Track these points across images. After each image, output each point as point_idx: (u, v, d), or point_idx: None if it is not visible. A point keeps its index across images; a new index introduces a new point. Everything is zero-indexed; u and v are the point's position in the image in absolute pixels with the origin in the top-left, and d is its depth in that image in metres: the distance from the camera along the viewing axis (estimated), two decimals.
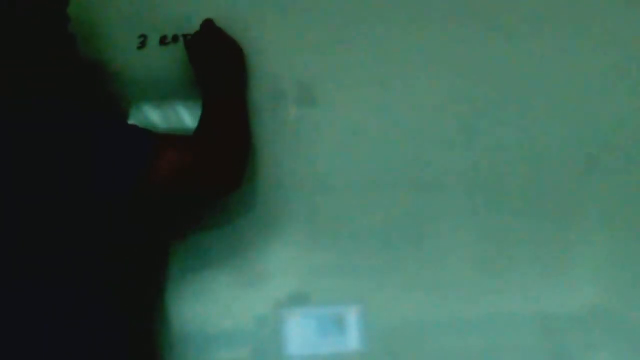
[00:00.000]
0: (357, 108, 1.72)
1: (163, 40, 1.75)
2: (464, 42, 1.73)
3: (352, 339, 1.66)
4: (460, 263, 1.68)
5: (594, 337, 1.66)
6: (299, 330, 1.66)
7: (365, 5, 1.75)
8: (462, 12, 1.75)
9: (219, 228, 1.68)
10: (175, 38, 1.74)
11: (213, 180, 1.53)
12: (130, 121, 1.71)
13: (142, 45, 1.75)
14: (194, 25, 1.73)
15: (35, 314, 1.37)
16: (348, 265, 1.68)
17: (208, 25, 1.70)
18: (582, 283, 1.68)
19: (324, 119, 1.71)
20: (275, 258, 1.68)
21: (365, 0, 1.75)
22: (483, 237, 1.69)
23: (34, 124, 1.42)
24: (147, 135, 1.47)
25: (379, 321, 1.66)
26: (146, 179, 1.43)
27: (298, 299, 1.67)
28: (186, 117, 1.74)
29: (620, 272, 1.69)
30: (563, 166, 1.70)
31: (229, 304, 1.59)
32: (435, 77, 1.73)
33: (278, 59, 1.73)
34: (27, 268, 1.37)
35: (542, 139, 1.71)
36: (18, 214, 1.38)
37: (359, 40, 1.73)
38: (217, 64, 1.66)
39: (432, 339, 1.67)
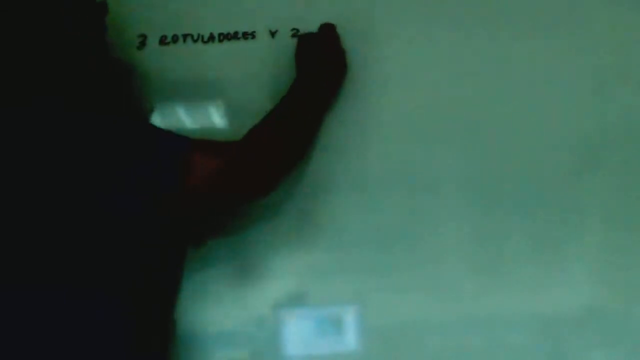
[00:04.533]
0: (357, 108, 1.72)
1: (163, 40, 1.75)
2: (463, 43, 1.74)
3: (350, 340, 1.67)
4: (458, 263, 1.69)
5: (591, 338, 1.67)
6: (298, 331, 1.67)
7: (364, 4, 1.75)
8: (461, 12, 1.75)
9: (219, 228, 1.68)
10: (175, 38, 1.75)
11: (242, 188, 1.52)
12: None
13: (142, 45, 1.75)
14: (194, 25, 1.73)
15: (72, 318, 1.36)
16: (346, 265, 1.68)
17: (328, 29, 1.69)
18: (580, 283, 1.69)
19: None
20: (274, 258, 1.68)
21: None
22: (481, 237, 1.70)
23: (73, 133, 1.40)
24: (184, 141, 1.45)
25: (377, 321, 1.67)
26: (182, 185, 1.41)
27: (297, 300, 1.68)
28: (185, 117, 1.74)
29: (617, 273, 1.69)
30: (560, 166, 1.71)
31: (228, 305, 1.60)
32: (434, 77, 1.73)
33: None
34: (62, 275, 1.36)
35: (539, 139, 1.71)
36: (57, 221, 1.36)
37: (357, 40, 1.73)
38: (318, 68, 1.65)
39: (429, 340, 1.67)
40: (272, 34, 1.75)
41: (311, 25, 1.72)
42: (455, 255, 1.69)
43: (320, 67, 1.66)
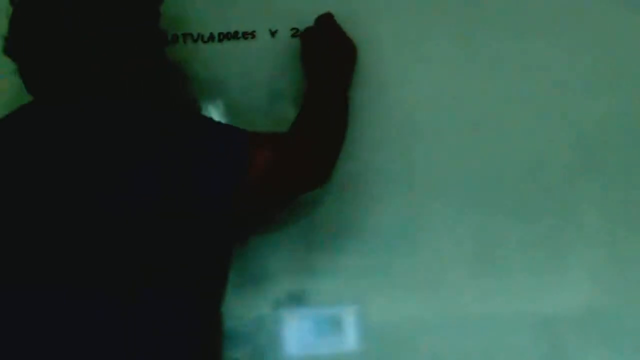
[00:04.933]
0: (356, 108, 1.72)
1: None
2: (463, 43, 1.74)
3: (350, 340, 1.67)
4: (458, 263, 1.69)
5: (590, 338, 1.67)
6: (298, 331, 1.68)
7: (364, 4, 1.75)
8: (461, 12, 1.74)
9: None
10: (175, 38, 1.74)
11: (301, 178, 1.53)
12: None
13: None
14: (194, 25, 1.73)
15: (150, 319, 1.37)
16: (346, 266, 1.69)
17: (326, 19, 1.69)
18: (579, 284, 1.69)
19: None
20: (274, 258, 1.68)
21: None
22: (481, 237, 1.70)
23: (144, 131, 1.40)
24: (245, 134, 1.46)
25: (377, 321, 1.68)
26: (246, 179, 1.42)
27: (297, 300, 1.68)
28: None
29: (617, 273, 1.69)
30: (560, 166, 1.71)
31: (229, 304, 1.60)
32: (434, 77, 1.73)
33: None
34: (136, 277, 1.36)
35: (539, 139, 1.72)
36: (130, 223, 1.36)
37: (356, 39, 1.72)
38: (328, 60, 1.65)
39: (429, 340, 1.68)
40: (272, 34, 1.75)
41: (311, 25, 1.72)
42: (455, 256, 1.70)
43: (332, 54, 1.66)
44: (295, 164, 1.51)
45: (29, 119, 1.44)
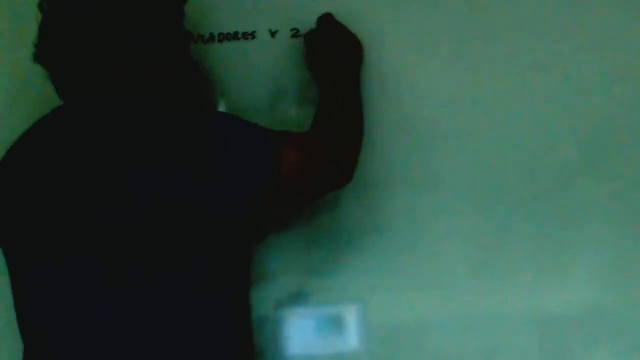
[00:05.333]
0: None
1: None
2: (463, 43, 1.73)
3: (351, 339, 1.67)
4: (459, 263, 1.69)
5: (592, 338, 1.67)
6: (299, 330, 1.67)
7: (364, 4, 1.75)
8: (461, 12, 1.74)
9: None
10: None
11: (327, 177, 1.53)
12: None
13: None
14: (194, 25, 1.72)
15: (183, 315, 1.38)
16: (347, 265, 1.69)
17: (327, 19, 1.70)
18: (581, 283, 1.69)
19: None
20: (275, 258, 1.68)
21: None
22: (482, 237, 1.70)
23: (172, 131, 1.40)
24: (271, 133, 1.46)
25: (379, 321, 1.68)
26: (275, 178, 1.42)
27: (297, 299, 1.68)
28: None
29: (619, 273, 1.69)
30: (560, 166, 1.71)
31: None
32: (434, 77, 1.73)
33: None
34: (166, 274, 1.37)
35: (542, 138, 1.71)
36: (160, 222, 1.36)
37: None
38: (335, 59, 1.66)
39: (431, 339, 1.68)
40: (272, 34, 1.75)
41: (311, 25, 1.72)
42: (456, 255, 1.69)
43: (338, 52, 1.67)
44: (322, 163, 1.51)
45: (56, 122, 1.46)
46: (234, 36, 1.75)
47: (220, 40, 1.75)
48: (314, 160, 1.48)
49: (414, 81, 1.73)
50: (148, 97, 1.45)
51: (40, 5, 1.48)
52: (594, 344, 1.67)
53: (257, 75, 1.73)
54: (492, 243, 1.70)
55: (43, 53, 1.47)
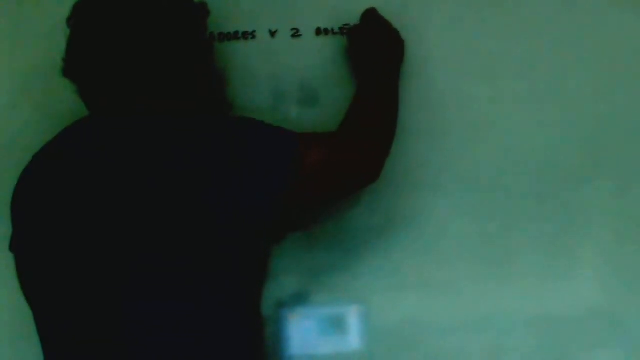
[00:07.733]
0: None
1: None
2: (464, 42, 1.73)
3: (353, 339, 1.67)
4: (461, 264, 1.69)
5: (595, 339, 1.67)
6: (300, 330, 1.68)
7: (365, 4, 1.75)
8: (463, 12, 1.74)
9: None
10: None
11: (352, 176, 1.53)
12: None
13: None
14: None
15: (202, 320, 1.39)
16: (348, 265, 1.69)
17: (371, 14, 1.70)
18: (584, 285, 1.69)
19: (324, 118, 1.70)
20: (275, 258, 1.68)
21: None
22: (484, 238, 1.70)
23: (197, 137, 1.41)
24: (293, 135, 1.46)
25: (380, 321, 1.68)
26: (297, 179, 1.42)
27: (298, 300, 1.68)
28: None
29: (621, 274, 1.69)
30: (564, 168, 1.71)
31: None
32: (436, 77, 1.73)
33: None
34: (191, 278, 1.38)
35: (546, 141, 1.71)
36: (185, 227, 1.37)
37: None
38: (378, 54, 1.65)
39: (433, 339, 1.68)
40: (272, 34, 1.75)
41: (311, 25, 1.73)
42: (458, 256, 1.69)
43: (382, 49, 1.66)
44: (346, 163, 1.50)
45: (89, 132, 1.46)
46: (234, 36, 1.75)
47: (220, 40, 1.74)
48: (337, 160, 1.48)
49: (417, 80, 1.73)
50: (177, 105, 1.47)
51: (68, 21, 1.48)
52: (596, 345, 1.67)
53: (257, 75, 1.73)
54: (493, 244, 1.70)
55: (72, 68, 1.48)
